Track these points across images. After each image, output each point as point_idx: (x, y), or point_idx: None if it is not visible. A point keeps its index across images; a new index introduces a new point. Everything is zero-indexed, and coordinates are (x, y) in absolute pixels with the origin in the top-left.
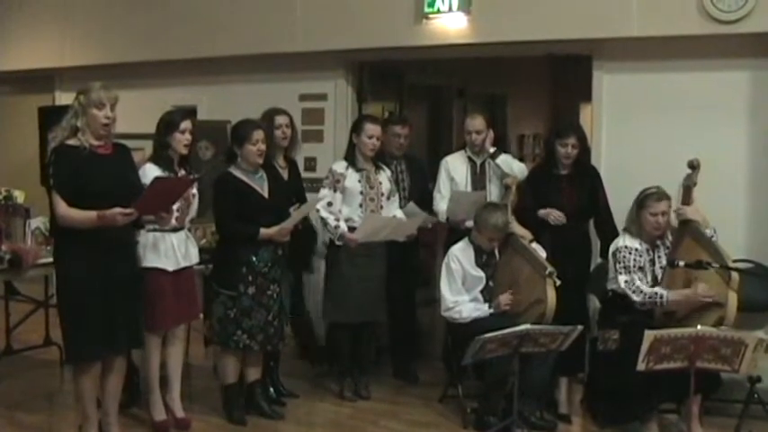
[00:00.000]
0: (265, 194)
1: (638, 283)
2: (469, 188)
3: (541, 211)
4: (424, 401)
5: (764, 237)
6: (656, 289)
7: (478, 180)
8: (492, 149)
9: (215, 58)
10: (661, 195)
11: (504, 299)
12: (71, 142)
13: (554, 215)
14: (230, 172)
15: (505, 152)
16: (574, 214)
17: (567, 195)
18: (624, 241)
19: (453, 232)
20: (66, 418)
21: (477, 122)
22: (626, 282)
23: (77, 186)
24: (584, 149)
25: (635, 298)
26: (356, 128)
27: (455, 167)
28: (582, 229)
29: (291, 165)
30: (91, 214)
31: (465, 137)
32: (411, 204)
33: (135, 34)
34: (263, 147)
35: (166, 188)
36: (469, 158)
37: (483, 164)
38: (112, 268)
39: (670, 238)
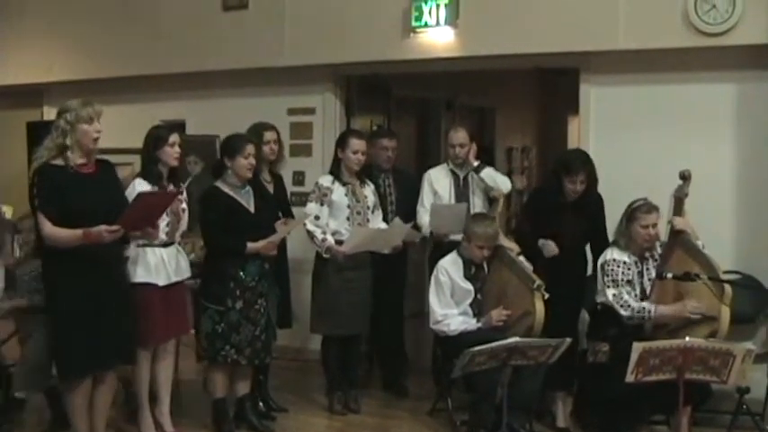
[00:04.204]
0: (252, 209)
1: (625, 297)
2: (453, 201)
3: (541, 241)
4: (413, 414)
5: (752, 248)
6: (644, 304)
7: (462, 193)
8: (476, 163)
9: (203, 72)
10: (650, 207)
11: (497, 314)
12: (55, 162)
13: (548, 248)
14: (217, 186)
15: (490, 164)
16: (575, 241)
17: (571, 224)
18: (612, 254)
19: (438, 247)
20: None
21: (459, 136)
22: (614, 295)
23: (62, 207)
24: (593, 181)
25: (623, 312)
26: (341, 143)
27: (438, 180)
28: (579, 251)
29: (277, 179)
30: (77, 232)
31: (448, 150)
32: (397, 219)
33: (123, 49)
34: (253, 161)
35: (151, 203)
36: (452, 171)
37: (466, 177)
38: (100, 285)
39: (659, 250)
